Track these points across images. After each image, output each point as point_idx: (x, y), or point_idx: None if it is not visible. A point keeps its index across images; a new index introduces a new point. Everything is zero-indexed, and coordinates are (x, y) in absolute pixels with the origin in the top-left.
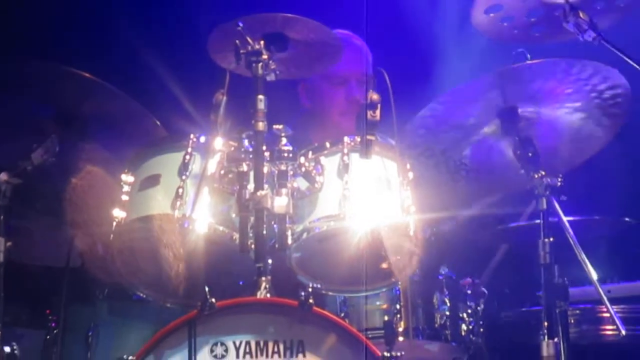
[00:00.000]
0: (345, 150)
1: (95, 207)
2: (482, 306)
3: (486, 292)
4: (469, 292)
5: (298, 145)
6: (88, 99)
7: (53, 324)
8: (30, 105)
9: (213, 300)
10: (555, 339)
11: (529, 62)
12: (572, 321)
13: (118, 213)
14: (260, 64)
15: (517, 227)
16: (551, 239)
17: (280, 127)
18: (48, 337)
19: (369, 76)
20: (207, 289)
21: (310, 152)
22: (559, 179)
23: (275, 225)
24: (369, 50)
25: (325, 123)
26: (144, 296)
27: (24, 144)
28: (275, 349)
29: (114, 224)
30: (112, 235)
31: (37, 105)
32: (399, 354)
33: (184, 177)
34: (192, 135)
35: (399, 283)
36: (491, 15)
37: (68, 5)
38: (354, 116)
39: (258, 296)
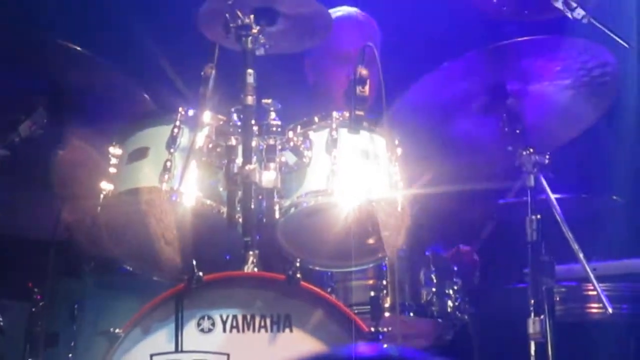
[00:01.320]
0: (334, 125)
1: (83, 179)
2: (477, 274)
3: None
4: (455, 268)
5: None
6: (76, 71)
7: (38, 297)
8: (19, 77)
9: (200, 273)
10: (541, 317)
11: (518, 39)
12: (558, 299)
13: (105, 186)
14: (249, 38)
15: (504, 204)
16: (538, 217)
17: (269, 101)
18: (34, 309)
19: (359, 51)
20: (194, 262)
21: (298, 127)
22: (547, 157)
23: (263, 200)
24: (377, 29)
25: (329, 100)
26: (131, 269)
27: (12, 116)
28: (262, 324)
29: (101, 196)
30: (99, 208)
31: (25, 77)
32: (385, 329)
33: (172, 150)
34: (180, 109)
35: (386, 259)
36: None
37: None
38: None
39: (245, 270)
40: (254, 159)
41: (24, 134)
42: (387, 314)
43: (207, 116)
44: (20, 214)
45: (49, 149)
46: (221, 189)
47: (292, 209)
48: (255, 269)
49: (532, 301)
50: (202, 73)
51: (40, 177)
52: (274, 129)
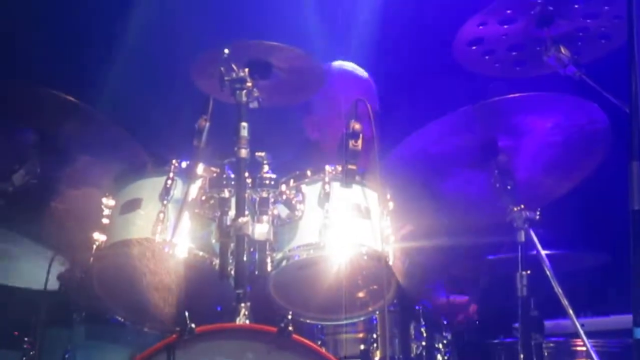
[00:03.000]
0: (327, 179)
1: (76, 230)
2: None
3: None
4: (445, 322)
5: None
6: (71, 121)
7: (28, 346)
8: (13, 127)
9: (192, 325)
10: None
11: (509, 95)
12: (547, 354)
13: (98, 236)
14: (244, 91)
15: (494, 259)
16: (528, 272)
17: (263, 154)
18: (24, 359)
19: (351, 106)
20: (186, 313)
21: (291, 180)
22: (537, 213)
23: (255, 252)
24: (373, 83)
25: (329, 155)
26: (122, 320)
27: (6, 165)
28: None
29: (94, 247)
30: (91, 259)
31: (19, 127)
32: None
33: (165, 202)
34: (174, 161)
35: (376, 312)
36: (473, 48)
37: (51, 29)
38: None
39: (237, 322)
40: (247, 211)
41: (18, 184)
42: None
43: (200, 168)
44: (12, 262)
45: (42, 199)
46: (214, 241)
47: (284, 262)
48: (247, 321)
49: (522, 356)
50: (196, 125)
51: (33, 227)
52: (267, 181)
